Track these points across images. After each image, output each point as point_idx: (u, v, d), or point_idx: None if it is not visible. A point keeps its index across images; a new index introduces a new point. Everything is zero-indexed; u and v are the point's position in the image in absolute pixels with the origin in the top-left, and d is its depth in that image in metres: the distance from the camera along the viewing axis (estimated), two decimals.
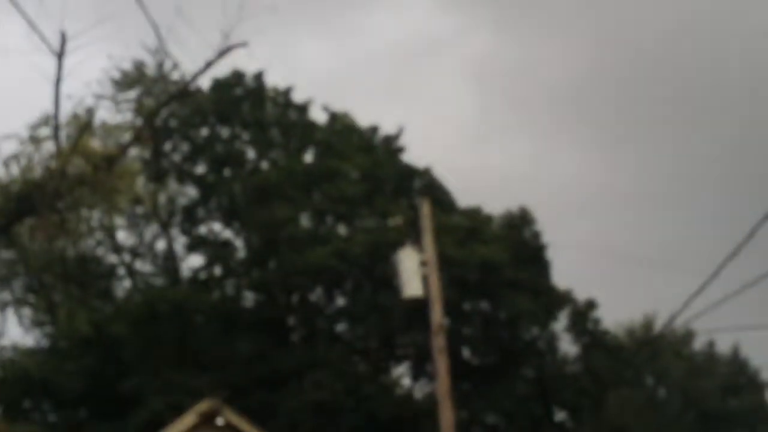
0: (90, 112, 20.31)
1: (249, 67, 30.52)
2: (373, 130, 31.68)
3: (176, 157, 31.01)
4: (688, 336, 47.00)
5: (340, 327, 29.98)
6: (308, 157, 31.34)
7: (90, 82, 21.92)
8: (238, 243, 30.50)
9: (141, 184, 25.93)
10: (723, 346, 49.06)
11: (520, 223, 30.25)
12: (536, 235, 30.33)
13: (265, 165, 30.99)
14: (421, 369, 28.57)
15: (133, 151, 23.61)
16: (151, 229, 31.49)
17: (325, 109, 31.58)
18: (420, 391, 29.43)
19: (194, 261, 30.88)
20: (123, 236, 31.44)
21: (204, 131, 31.14)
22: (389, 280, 23.69)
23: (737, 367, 49.23)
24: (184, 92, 24.04)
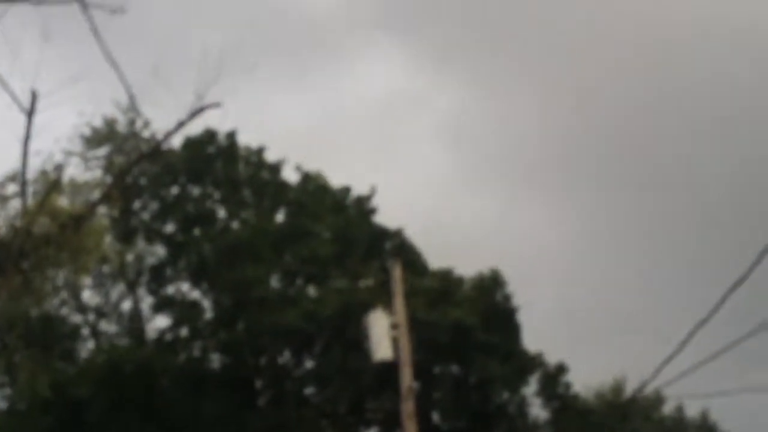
0: (59, 168, 20.13)
1: (222, 126, 30.54)
2: (346, 190, 31.69)
3: (145, 216, 30.76)
4: (658, 401, 46.86)
5: (309, 390, 29.56)
6: (280, 217, 31.23)
7: (60, 138, 21.83)
8: (206, 303, 30.14)
9: (108, 242, 25.62)
10: (692, 411, 48.97)
11: (491, 285, 30.19)
12: (507, 298, 30.26)
13: (235, 224, 30.80)
14: None
15: (102, 209, 23.39)
16: (118, 289, 31.07)
17: (298, 168, 31.60)
18: None
19: (161, 322, 30.48)
20: (88, 296, 30.99)
21: (174, 190, 30.96)
22: (359, 343, 23.46)
23: None
24: (156, 151, 23.94)
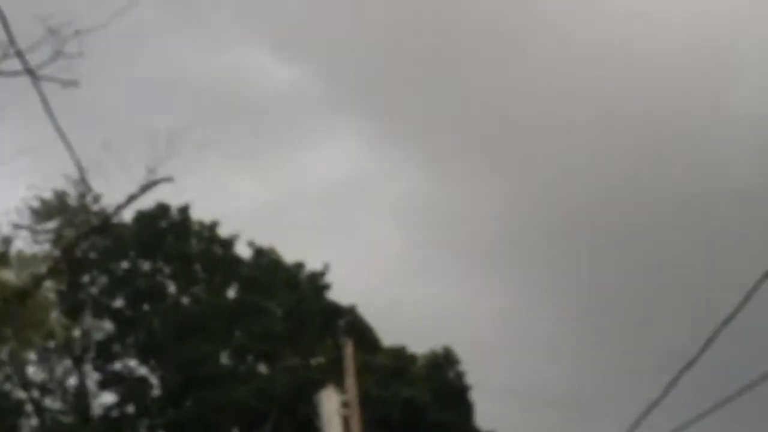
0: (6, 241, 19.80)
1: (175, 201, 30.36)
2: (299, 266, 31.50)
3: (94, 290, 30.24)
4: None
5: None
6: (232, 292, 30.90)
7: (9, 211, 21.55)
8: (154, 380, 29.52)
9: (55, 317, 25.09)
10: None
11: (444, 363, 30.04)
12: (460, 376, 30.11)
13: (186, 300, 30.40)
14: None
15: (49, 283, 22.96)
16: (63, 365, 30.29)
17: (251, 244, 31.41)
18: None
19: (107, 398, 29.75)
20: (33, 371, 30.14)
21: (125, 264, 30.55)
22: (311, 421, 23.08)
23: None
24: (106, 225, 23.67)
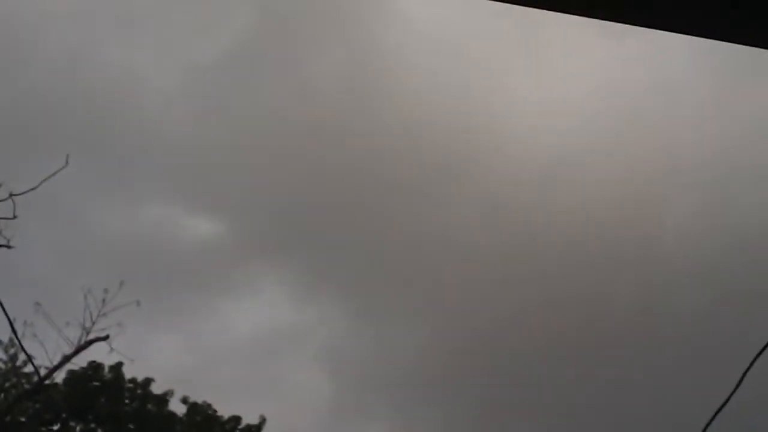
0: None
1: (108, 360, 29.96)
2: (236, 419, 31.07)
3: None
4: None
5: None
6: None
7: None
8: None
9: None
10: None
11: None
12: None
13: None
14: None
15: None
16: None
17: (185, 400, 30.94)
18: None
19: None
20: None
21: (56, 427, 29.73)
22: None
23: None
24: (38, 389, 23.29)
